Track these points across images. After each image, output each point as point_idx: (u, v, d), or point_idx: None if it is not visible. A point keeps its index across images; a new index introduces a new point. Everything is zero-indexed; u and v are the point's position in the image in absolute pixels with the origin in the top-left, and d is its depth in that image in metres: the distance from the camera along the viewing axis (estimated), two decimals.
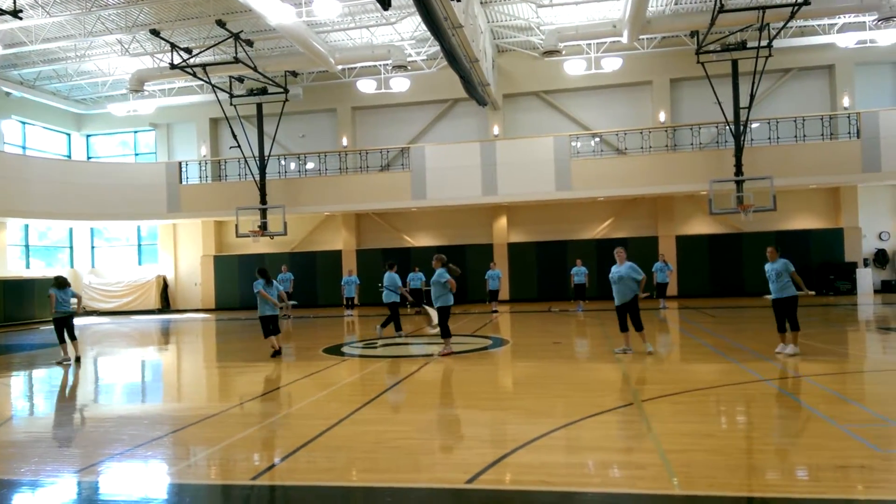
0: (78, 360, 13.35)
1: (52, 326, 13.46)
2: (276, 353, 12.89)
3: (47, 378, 11.97)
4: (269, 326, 12.94)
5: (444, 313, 12.24)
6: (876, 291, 24.90)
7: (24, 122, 29.14)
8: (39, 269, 29.56)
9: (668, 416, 7.16)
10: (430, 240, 28.75)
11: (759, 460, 5.64)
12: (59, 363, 13.19)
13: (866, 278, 24.41)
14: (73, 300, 13.57)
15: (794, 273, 10.69)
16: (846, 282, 24.59)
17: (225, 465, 6.08)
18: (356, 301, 23.51)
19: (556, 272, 26.71)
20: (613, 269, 11.47)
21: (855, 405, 7.36)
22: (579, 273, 21.83)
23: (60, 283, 13.33)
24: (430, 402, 8.73)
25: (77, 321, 14.64)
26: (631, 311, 11.40)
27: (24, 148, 28.99)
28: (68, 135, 31.53)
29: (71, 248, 31.61)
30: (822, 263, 25.05)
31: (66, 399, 10.15)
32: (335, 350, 14.01)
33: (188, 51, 22.26)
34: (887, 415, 6.78)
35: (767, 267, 10.93)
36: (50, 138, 30.74)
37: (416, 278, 23.12)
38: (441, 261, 12.25)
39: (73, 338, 13.37)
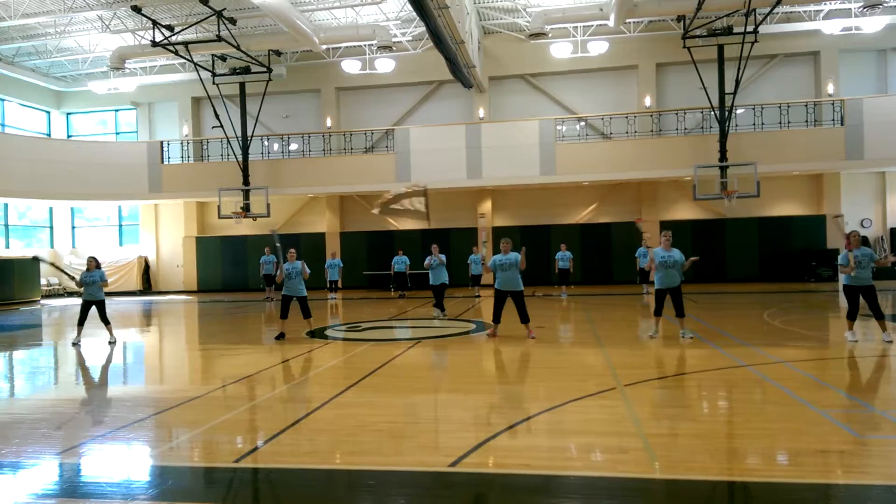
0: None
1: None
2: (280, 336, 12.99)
3: (28, 359, 11.85)
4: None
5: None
6: None
7: (2, 99, 28.65)
8: (19, 249, 29.22)
9: (649, 401, 7.22)
10: (413, 223, 28.65)
11: (739, 445, 5.69)
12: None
13: None
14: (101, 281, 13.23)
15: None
16: (828, 268, 24.79)
17: (208, 448, 6.05)
18: (339, 284, 23.44)
19: (541, 257, 26.75)
20: (661, 252, 11.24)
21: (835, 390, 7.45)
22: (564, 258, 21.85)
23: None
24: (413, 385, 8.73)
25: (57, 302, 14.52)
26: (676, 296, 11.29)
27: (2, 125, 28.53)
28: (48, 112, 31.05)
29: (51, 227, 31.24)
30: (804, 250, 25.24)
31: (48, 380, 10.06)
32: (318, 333, 13.97)
33: (170, 28, 21.92)
34: (866, 400, 6.87)
35: (857, 252, 10.33)
36: (29, 116, 30.24)
37: (400, 262, 23.08)
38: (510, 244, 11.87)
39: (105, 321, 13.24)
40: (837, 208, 25.37)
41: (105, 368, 11.07)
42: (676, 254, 11.16)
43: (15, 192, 25.18)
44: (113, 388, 9.37)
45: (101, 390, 9.09)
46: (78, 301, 13.67)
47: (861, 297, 10.49)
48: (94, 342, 14.08)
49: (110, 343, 13.06)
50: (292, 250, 13.21)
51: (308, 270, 12.99)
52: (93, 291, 12.99)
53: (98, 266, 13.20)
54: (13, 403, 8.48)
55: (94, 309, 12.98)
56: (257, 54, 25.43)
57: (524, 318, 11.99)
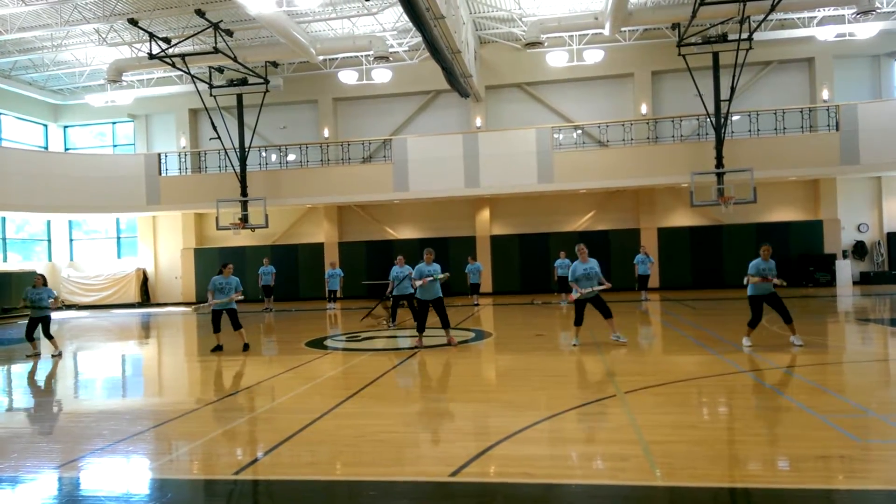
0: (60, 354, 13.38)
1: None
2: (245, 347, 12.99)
3: (26, 372, 11.82)
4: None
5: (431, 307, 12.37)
6: (854, 283, 25.19)
7: None
8: (16, 263, 29.18)
9: (649, 408, 7.20)
10: (412, 232, 28.69)
11: (740, 451, 5.68)
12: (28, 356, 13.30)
13: (845, 270, 24.66)
14: (50, 299, 13.41)
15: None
16: (825, 273, 24.86)
17: (207, 460, 6.03)
18: (339, 294, 23.42)
19: (539, 264, 26.79)
20: (579, 265, 11.60)
21: (834, 396, 7.44)
22: (563, 266, 21.80)
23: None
24: (413, 395, 8.72)
25: (56, 315, 14.54)
26: (596, 303, 11.59)
27: None
28: (45, 126, 31.08)
29: (49, 241, 31.21)
30: (802, 255, 25.30)
31: (46, 394, 10.02)
32: (318, 343, 13.95)
33: (167, 41, 21.98)
34: (866, 405, 6.87)
35: (764, 265, 11.14)
36: (26, 129, 30.27)
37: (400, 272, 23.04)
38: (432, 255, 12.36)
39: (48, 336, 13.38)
40: (834, 213, 25.44)
41: (104, 381, 11.04)
42: (594, 265, 11.58)
43: (12, 206, 25.16)
44: (112, 400, 9.34)
45: (100, 403, 9.06)
46: (79, 315, 13.67)
47: (767, 305, 11.07)
48: (90, 355, 14.08)
49: (54, 356, 13.28)
50: (230, 265, 13.44)
51: (241, 290, 13.05)
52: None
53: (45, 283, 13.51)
54: (11, 417, 8.45)
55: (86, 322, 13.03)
56: (254, 66, 25.50)
57: (445, 325, 12.40)
